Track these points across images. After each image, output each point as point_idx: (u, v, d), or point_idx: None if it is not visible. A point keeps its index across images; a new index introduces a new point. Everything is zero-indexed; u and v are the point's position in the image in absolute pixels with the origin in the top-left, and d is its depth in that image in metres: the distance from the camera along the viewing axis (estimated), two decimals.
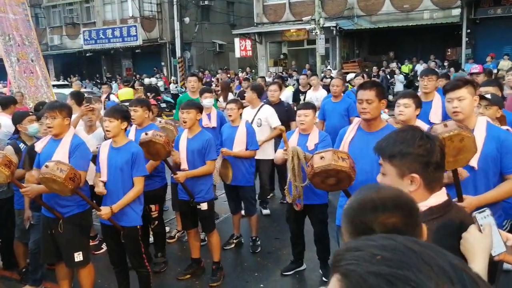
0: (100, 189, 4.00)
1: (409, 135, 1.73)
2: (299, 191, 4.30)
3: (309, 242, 4.99)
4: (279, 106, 7.04)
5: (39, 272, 4.84)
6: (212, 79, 23.86)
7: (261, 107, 6.54)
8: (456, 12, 20.79)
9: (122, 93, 14.20)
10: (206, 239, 5.35)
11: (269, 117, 6.41)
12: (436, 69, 14.16)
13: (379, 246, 0.67)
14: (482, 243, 1.61)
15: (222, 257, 5.16)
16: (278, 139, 6.40)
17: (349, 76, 15.88)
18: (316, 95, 9.10)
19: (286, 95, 9.62)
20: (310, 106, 4.81)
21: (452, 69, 17.91)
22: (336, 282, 0.65)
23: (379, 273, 0.62)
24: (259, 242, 5.73)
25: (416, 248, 0.66)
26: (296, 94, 10.02)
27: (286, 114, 6.98)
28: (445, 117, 4.72)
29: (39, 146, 4.24)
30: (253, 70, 26.01)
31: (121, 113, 4.13)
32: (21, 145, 4.92)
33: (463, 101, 3.03)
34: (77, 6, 32.64)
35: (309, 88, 9.84)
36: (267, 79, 14.82)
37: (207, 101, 6.27)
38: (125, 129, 4.22)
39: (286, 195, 4.46)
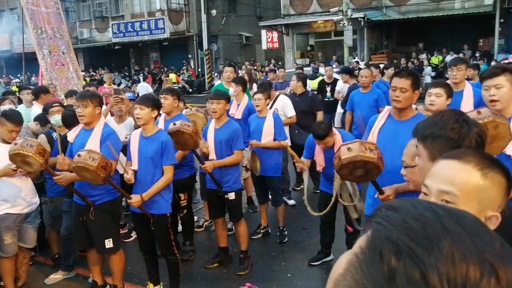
0: (128, 176, 4.06)
1: (445, 117, 1.68)
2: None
3: (337, 233, 4.97)
4: (303, 96, 7.13)
5: (71, 258, 4.96)
6: (239, 71, 23.88)
7: (277, 97, 6.77)
8: (489, 1, 20.23)
9: None
10: (233, 228, 5.38)
11: (285, 106, 6.63)
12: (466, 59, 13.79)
13: (416, 215, 0.62)
14: None
15: (250, 246, 5.17)
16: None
17: None
18: (347, 86, 9.00)
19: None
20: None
21: (481, 62, 17.42)
22: (365, 236, 0.63)
23: (396, 241, 0.58)
24: (286, 232, 5.73)
25: (453, 230, 0.59)
26: (322, 86, 9.93)
27: (310, 105, 7.00)
28: (477, 107, 4.61)
29: (71, 136, 4.32)
30: (280, 62, 25.91)
31: (152, 101, 4.15)
32: (54, 134, 5.03)
33: (500, 89, 2.93)
34: (106, 0, 33.08)
35: (333, 80, 9.73)
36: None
37: (230, 90, 6.33)
38: (155, 118, 4.25)
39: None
